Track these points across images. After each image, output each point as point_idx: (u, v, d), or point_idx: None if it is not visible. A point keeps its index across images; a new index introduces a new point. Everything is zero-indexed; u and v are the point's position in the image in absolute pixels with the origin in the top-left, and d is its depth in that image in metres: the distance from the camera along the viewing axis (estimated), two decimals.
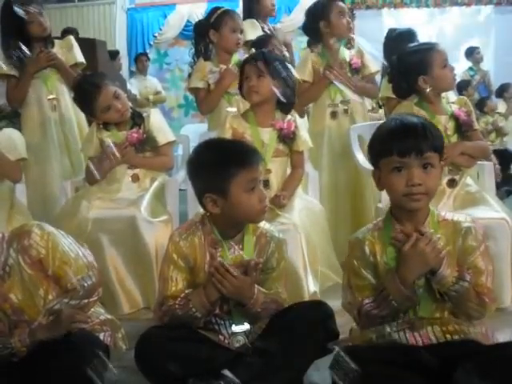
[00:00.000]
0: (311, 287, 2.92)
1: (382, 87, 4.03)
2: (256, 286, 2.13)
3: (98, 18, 10.52)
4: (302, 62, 3.96)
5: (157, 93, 8.49)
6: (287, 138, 3.12)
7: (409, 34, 4.14)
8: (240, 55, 3.88)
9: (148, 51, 10.25)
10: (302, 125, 3.26)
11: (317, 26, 3.79)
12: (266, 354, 2.07)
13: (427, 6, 9.56)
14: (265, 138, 3.10)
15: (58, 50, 3.95)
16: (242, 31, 3.85)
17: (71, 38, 4.09)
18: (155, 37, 10.85)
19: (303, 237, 2.92)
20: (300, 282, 2.90)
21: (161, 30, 10.84)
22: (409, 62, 3.05)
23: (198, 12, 10.67)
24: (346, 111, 3.80)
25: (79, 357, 1.95)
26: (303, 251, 2.91)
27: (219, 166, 2.08)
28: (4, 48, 3.90)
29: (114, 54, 8.06)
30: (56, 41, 4.02)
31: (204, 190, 2.12)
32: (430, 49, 3.04)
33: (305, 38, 8.30)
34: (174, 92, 10.46)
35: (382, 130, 2.04)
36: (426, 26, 9.04)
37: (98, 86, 3.22)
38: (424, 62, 2.99)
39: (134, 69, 9.28)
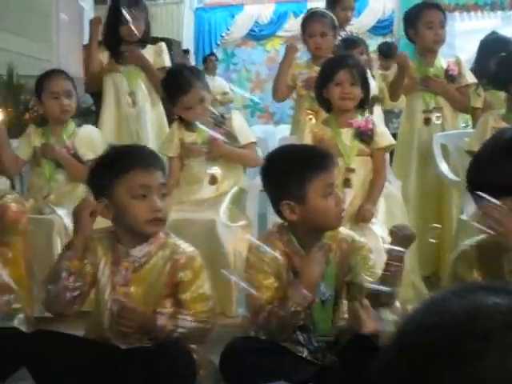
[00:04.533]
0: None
1: None
2: None
3: (166, 18, 10.62)
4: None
5: (224, 93, 8.50)
6: (365, 136, 3.06)
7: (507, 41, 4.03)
8: None
9: (215, 51, 10.30)
10: (380, 122, 3.19)
11: (407, 32, 3.71)
12: (351, 367, 2.01)
13: (502, 9, 9.27)
14: (345, 138, 3.06)
15: (148, 51, 3.99)
16: (324, 34, 3.76)
17: (163, 44, 4.14)
18: (222, 37, 10.91)
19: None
20: None
21: (228, 30, 10.90)
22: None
23: (267, 13, 10.71)
24: (438, 118, 3.69)
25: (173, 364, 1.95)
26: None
27: (296, 172, 2.05)
28: (107, 44, 4.03)
29: (185, 53, 8.10)
30: (149, 45, 4.06)
31: (281, 197, 2.09)
32: None
33: (373, 42, 8.25)
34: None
35: None
36: (501, 30, 8.78)
37: (190, 85, 3.19)
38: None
39: (201, 68, 9.32)
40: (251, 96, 9.97)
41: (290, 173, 2.05)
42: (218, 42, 10.93)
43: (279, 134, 5.59)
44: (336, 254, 2.17)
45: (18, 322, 2.34)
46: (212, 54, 9.61)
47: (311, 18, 3.82)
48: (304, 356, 2.13)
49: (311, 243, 2.15)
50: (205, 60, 9.12)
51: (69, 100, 3.33)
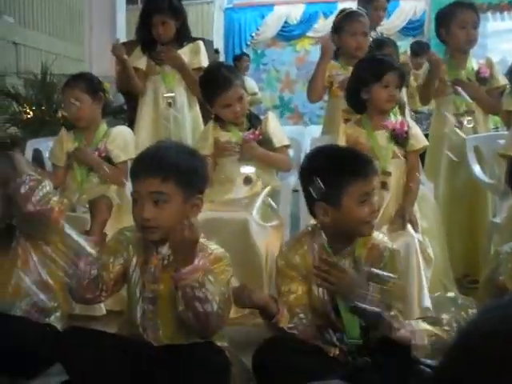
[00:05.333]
0: (425, 302, 2.82)
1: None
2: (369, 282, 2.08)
3: (196, 17, 10.67)
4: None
5: (254, 94, 8.50)
6: (400, 138, 3.05)
7: None
8: None
9: (245, 51, 10.32)
10: (413, 124, 3.18)
11: (438, 31, 3.68)
12: (383, 368, 2.01)
13: None
14: (380, 140, 3.05)
15: (184, 51, 3.99)
16: (365, 34, 3.71)
17: (200, 43, 4.10)
18: (252, 37, 10.92)
19: (420, 248, 2.84)
20: (410, 296, 2.81)
21: (258, 30, 10.91)
22: None
23: (297, 13, 10.69)
24: (469, 122, 3.66)
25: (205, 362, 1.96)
26: (419, 264, 2.82)
27: (333, 175, 2.04)
28: (143, 45, 4.06)
29: (215, 53, 8.13)
30: (186, 45, 4.05)
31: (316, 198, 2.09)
32: None
33: (404, 43, 8.19)
34: (269, 93, 10.49)
35: None
36: None
37: (230, 83, 3.19)
38: None
39: None
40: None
41: (328, 175, 2.04)
42: (248, 42, 10.94)
43: (309, 135, 5.60)
44: (365, 260, 2.15)
45: (54, 319, 2.37)
46: (244, 53, 9.62)
47: (351, 17, 3.76)
48: (336, 356, 2.13)
49: (341, 247, 2.16)
50: (235, 60, 9.13)
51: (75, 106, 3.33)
